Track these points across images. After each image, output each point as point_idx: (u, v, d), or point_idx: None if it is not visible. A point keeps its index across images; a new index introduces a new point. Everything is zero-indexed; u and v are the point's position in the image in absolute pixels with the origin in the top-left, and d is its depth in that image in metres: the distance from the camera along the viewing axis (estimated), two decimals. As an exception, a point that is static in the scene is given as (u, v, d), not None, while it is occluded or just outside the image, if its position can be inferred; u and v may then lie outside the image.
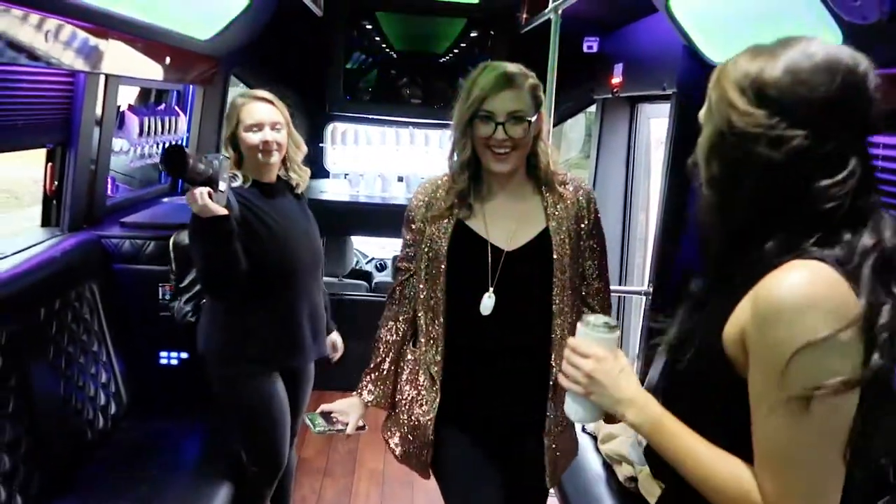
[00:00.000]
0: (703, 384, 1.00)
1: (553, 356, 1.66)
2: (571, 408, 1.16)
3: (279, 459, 2.28)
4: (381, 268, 5.24)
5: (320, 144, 4.76)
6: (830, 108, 0.88)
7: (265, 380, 2.21)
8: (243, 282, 2.07)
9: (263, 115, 2.13)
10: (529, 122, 1.61)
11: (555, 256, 1.65)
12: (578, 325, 1.14)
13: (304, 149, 2.31)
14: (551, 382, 1.67)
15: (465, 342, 1.69)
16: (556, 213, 1.68)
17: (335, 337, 2.49)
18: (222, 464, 2.29)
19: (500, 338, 1.67)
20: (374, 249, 5.28)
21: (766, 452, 0.90)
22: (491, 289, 1.64)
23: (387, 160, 4.74)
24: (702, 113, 1.00)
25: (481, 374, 1.70)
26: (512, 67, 1.62)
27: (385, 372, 1.80)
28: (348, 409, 1.78)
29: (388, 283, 2.04)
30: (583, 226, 1.70)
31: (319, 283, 2.34)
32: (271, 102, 2.17)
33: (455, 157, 1.69)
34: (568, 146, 4.46)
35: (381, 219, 4.23)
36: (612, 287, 1.74)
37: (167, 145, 1.86)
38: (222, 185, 1.96)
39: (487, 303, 1.64)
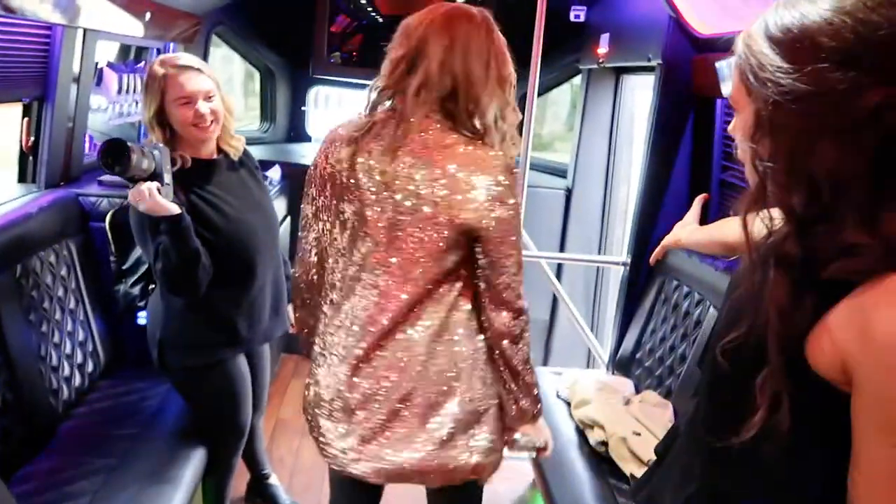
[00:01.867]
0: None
1: None
2: None
3: (242, 429, 2.24)
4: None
5: (302, 108, 4.71)
6: None
7: (231, 364, 2.14)
8: (208, 276, 1.92)
9: (194, 85, 1.92)
10: None
11: None
12: None
13: (235, 114, 2.11)
14: None
15: None
16: None
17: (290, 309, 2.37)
18: (199, 425, 2.29)
19: None
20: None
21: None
22: None
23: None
24: (731, 92, 0.84)
25: None
26: None
27: None
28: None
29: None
30: None
31: (279, 253, 2.24)
32: (199, 70, 1.95)
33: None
34: (553, 117, 4.45)
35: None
36: (592, 257, 1.71)
37: (107, 139, 1.71)
38: (167, 178, 1.77)
39: None
